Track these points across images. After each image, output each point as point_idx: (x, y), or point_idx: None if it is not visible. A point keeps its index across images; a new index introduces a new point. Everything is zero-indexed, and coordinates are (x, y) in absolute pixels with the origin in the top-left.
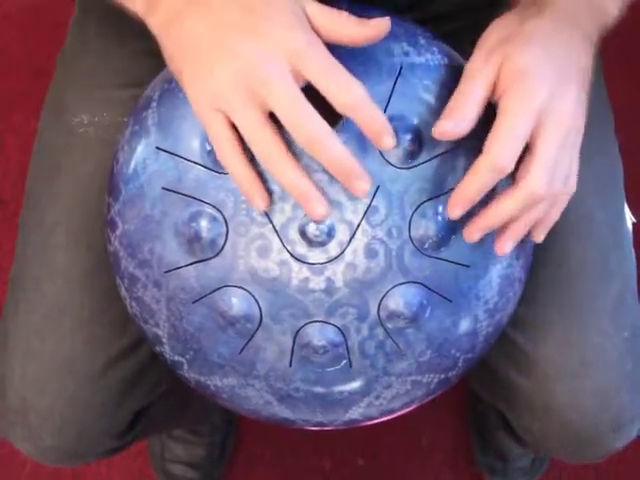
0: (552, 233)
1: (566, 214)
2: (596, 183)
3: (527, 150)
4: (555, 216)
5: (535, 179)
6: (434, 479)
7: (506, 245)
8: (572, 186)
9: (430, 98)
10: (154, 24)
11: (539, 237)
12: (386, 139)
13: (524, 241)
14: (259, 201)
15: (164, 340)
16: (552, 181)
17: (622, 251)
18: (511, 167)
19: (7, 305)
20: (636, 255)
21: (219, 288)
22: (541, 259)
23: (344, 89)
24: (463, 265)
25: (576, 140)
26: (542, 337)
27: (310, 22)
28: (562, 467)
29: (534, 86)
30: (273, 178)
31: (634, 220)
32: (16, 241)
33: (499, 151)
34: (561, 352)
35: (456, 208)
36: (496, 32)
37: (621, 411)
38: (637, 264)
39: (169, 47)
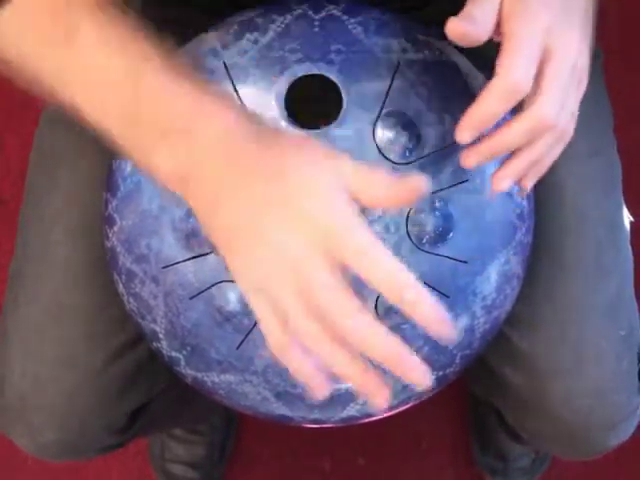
0: (548, 230)
1: (562, 211)
2: (593, 181)
3: (537, 77)
4: (551, 159)
5: (545, 103)
6: (434, 479)
7: (504, 181)
8: (573, 127)
9: (428, 94)
10: (192, 206)
11: (528, 184)
12: (445, 328)
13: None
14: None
15: (161, 336)
16: (561, 110)
17: (619, 249)
18: (528, 87)
19: (6, 301)
20: (634, 254)
21: (216, 283)
22: (537, 256)
23: (388, 276)
24: (461, 261)
25: (581, 78)
26: (537, 334)
27: (348, 186)
28: (563, 467)
29: (538, 10)
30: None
31: (632, 219)
32: (15, 237)
33: (513, 70)
34: (556, 350)
35: (465, 132)
36: None
37: (616, 409)
38: (635, 263)
39: (211, 236)
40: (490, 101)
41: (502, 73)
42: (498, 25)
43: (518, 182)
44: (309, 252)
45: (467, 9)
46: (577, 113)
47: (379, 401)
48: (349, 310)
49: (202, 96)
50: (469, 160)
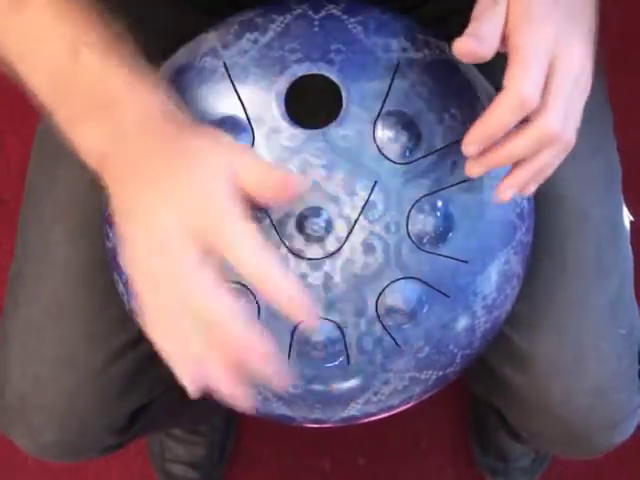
0: (548, 230)
1: (563, 211)
2: (593, 181)
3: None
4: (553, 167)
5: (551, 116)
6: (434, 479)
7: (508, 191)
8: (575, 136)
9: (428, 93)
10: (105, 186)
11: (530, 189)
12: (301, 312)
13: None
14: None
15: None
16: (565, 123)
17: (619, 249)
18: (536, 101)
19: (6, 301)
20: (634, 253)
21: None
22: (537, 256)
23: (255, 261)
24: (461, 261)
25: (585, 87)
26: (537, 334)
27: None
28: (563, 467)
29: (543, 23)
30: None
31: (632, 219)
32: (15, 237)
33: (522, 84)
34: (556, 349)
35: (472, 145)
36: None
37: (616, 409)
38: (635, 262)
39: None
40: (499, 115)
41: (511, 87)
42: (503, 37)
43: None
44: (179, 233)
45: (473, 26)
46: (580, 120)
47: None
48: (208, 290)
49: (134, 78)
50: (474, 170)
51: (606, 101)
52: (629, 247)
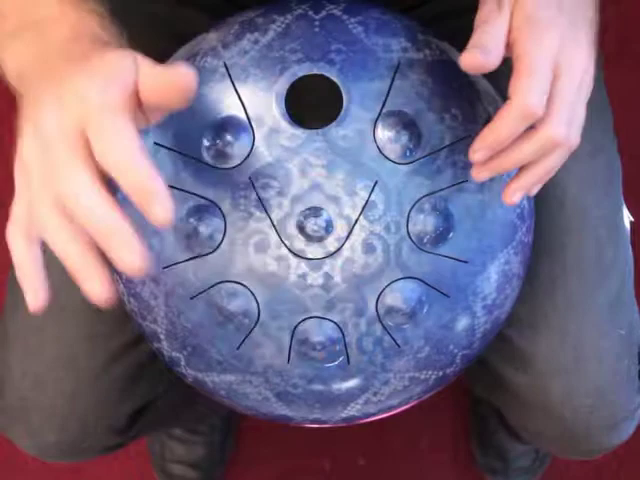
0: (549, 230)
1: (563, 211)
2: (594, 181)
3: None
4: (555, 169)
5: (556, 123)
6: (434, 479)
7: (515, 194)
8: (578, 140)
9: (428, 94)
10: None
11: (533, 192)
12: (156, 208)
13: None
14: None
15: (162, 336)
16: (569, 128)
17: (619, 249)
18: (542, 110)
19: (7, 302)
20: (634, 253)
21: (217, 283)
22: (537, 256)
23: (117, 150)
24: (461, 261)
25: (587, 91)
26: (537, 334)
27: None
28: (563, 467)
29: (547, 30)
30: None
31: (632, 219)
32: None
33: (528, 94)
34: (556, 349)
35: (478, 152)
36: None
37: (616, 409)
38: (635, 262)
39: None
40: (505, 125)
41: (517, 97)
42: (507, 43)
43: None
44: (60, 130)
45: (477, 37)
46: (583, 122)
47: (95, 287)
48: (77, 182)
49: (66, 6)
50: (481, 175)
51: (606, 101)
52: (629, 247)
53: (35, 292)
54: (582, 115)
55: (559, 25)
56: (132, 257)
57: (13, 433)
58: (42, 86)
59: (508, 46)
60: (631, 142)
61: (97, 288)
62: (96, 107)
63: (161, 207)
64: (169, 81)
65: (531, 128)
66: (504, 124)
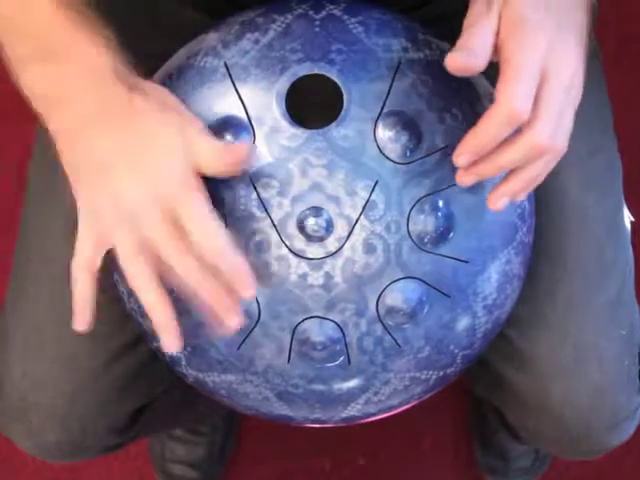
0: (549, 230)
1: (563, 211)
2: (594, 181)
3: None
4: (544, 175)
5: (541, 129)
6: (435, 479)
7: (500, 200)
8: (566, 144)
9: (429, 94)
10: (51, 129)
11: (520, 197)
12: (247, 290)
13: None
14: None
15: None
16: (555, 134)
17: (620, 249)
18: (527, 114)
19: (7, 301)
20: (635, 253)
21: None
22: (536, 255)
23: (211, 237)
24: (462, 261)
25: (576, 96)
26: (537, 334)
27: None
28: (563, 467)
29: (535, 33)
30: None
31: (632, 219)
32: (17, 237)
33: (514, 98)
34: (556, 349)
35: (461, 157)
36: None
37: (616, 409)
38: (636, 262)
39: (62, 159)
40: (490, 128)
41: (502, 101)
42: (495, 46)
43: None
44: (145, 206)
45: (464, 39)
46: (571, 128)
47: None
48: (178, 255)
49: (83, 33)
50: (465, 179)
51: (606, 101)
52: (630, 247)
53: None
54: (570, 120)
55: (547, 28)
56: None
57: (13, 433)
58: (102, 150)
59: (496, 49)
60: (631, 142)
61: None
62: (180, 184)
63: (248, 283)
64: (227, 162)
65: (517, 133)
66: (488, 128)
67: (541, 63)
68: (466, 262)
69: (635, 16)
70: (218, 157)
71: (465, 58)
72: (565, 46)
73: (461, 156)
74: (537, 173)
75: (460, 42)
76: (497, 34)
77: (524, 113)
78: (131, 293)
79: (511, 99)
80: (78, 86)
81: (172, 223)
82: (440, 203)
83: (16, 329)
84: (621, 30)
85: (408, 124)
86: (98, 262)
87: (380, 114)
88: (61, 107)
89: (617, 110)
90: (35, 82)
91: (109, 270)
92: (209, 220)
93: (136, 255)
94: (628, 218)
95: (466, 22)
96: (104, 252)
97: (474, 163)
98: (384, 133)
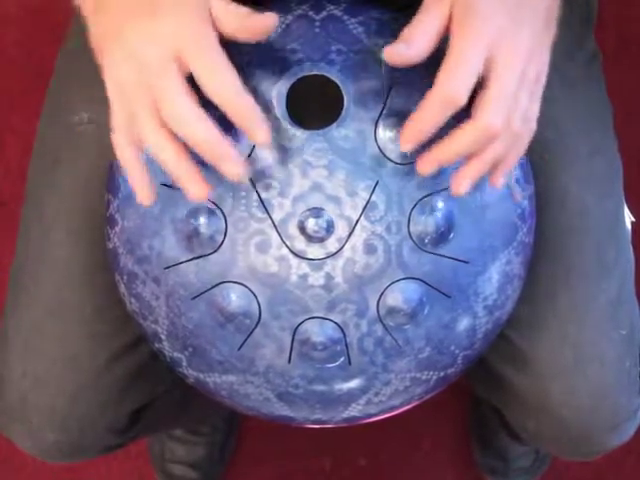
0: (549, 230)
1: (563, 211)
2: (594, 181)
3: (483, 87)
4: (514, 158)
5: (489, 113)
6: (435, 479)
7: (462, 184)
8: (532, 128)
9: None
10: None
11: (497, 181)
12: (259, 132)
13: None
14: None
15: (163, 337)
16: (509, 117)
17: (620, 249)
18: (463, 99)
19: (7, 301)
20: (635, 254)
21: (218, 284)
22: (538, 256)
23: (219, 82)
24: (462, 261)
25: (538, 80)
26: (537, 334)
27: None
28: (563, 467)
29: (483, 22)
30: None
31: (633, 219)
32: (16, 238)
33: (449, 83)
34: (557, 350)
35: (408, 143)
36: None
37: (617, 410)
38: (636, 262)
39: (93, 40)
40: (427, 112)
41: (437, 86)
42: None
43: (489, 180)
44: (160, 60)
45: (408, 29)
46: (537, 114)
47: (195, 189)
48: (189, 115)
49: None
50: (425, 168)
51: (606, 100)
52: (630, 247)
53: (144, 187)
54: (531, 104)
55: (497, 15)
56: (233, 167)
57: (13, 433)
58: (126, 16)
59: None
60: (631, 142)
61: (196, 189)
62: (193, 42)
63: (261, 130)
64: (246, 27)
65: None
66: (424, 113)
67: (486, 51)
68: (466, 262)
69: (635, 16)
70: (235, 16)
71: (402, 50)
72: (517, 31)
73: (405, 143)
74: (497, 155)
75: (403, 32)
76: (450, 23)
77: (459, 98)
78: (132, 295)
79: (446, 84)
80: None
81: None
82: (441, 204)
83: (16, 329)
84: (621, 30)
85: None
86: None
87: (380, 114)
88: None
89: (617, 110)
90: None
91: (110, 270)
92: (221, 66)
93: (150, 118)
94: (628, 218)
95: (419, 10)
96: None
97: (430, 151)
98: (384, 133)
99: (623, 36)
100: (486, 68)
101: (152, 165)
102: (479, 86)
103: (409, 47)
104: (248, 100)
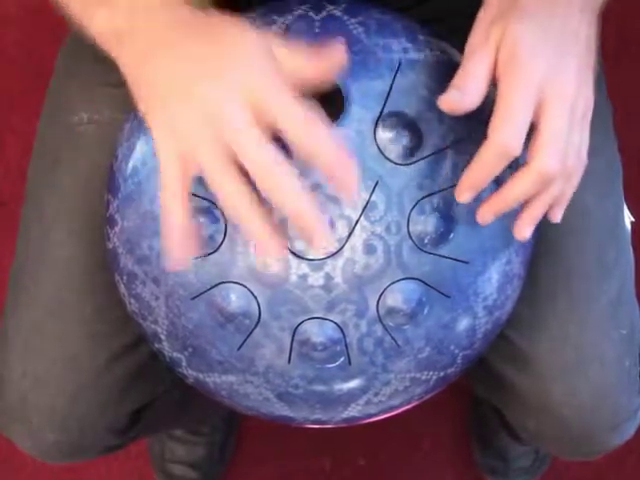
0: (549, 230)
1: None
2: (594, 180)
3: (535, 129)
4: (570, 192)
5: (544, 157)
6: (435, 479)
7: (525, 230)
8: (583, 160)
9: (429, 94)
10: (123, 63)
11: (556, 217)
12: (352, 191)
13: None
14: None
15: (163, 337)
16: (564, 157)
17: (620, 249)
18: (518, 150)
19: (7, 301)
20: (635, 254)
21: (218, 284)
22: (537, 256)
23: (310, 134)
24: (462, 261)
25: (586, 112)
26: (538, 334)
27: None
28: (563, 467)
29: (530, 64)
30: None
31: (632, 219)
32: (16, 238)
33: (503, 135)
34: (557, 350)
35: (465, 193)
36: (489, 10)
37: (617, 410)
38: (636, 262)
39: (135, 90)
40: (483, 165)
41: (493, 137)
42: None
43: (549, 216)
44: (229, 105)
45: (459, 78)
46: (587, 146)
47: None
48: (266, 160)
49: None
50: (486, 218)
51: (606, 101)
52: (630, 248)
53: (189, 247)
54: (581, 139)
55: (543, 56)
56: (315, 235)
57: (13, 433)
58: (176, 61)
59: (495, 80)
60: (631, 142)
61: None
62: (267, 86)
63: (350, 179)
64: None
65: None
66: (480, 166)
67: (535, 97)
68: (466, 262)
69: (635, 16)
70: (305, 60)
71: (458, 98)
72: (565, 68)
73: (462, 194)
74: (555, 195)
75: (455, 80)
76: (496, 66)
77: (515, 148)
78: (131, 295)
79: (499, 136)
80: (149, 13)
81: (260, 122)
82: (440, 204)
83: (16, 329)
84: (621, 30)
85: (408, 125)
86: (189, 185)
87: (380, 115)
88: (133, 34)
89: (617, 110)
90: (101, 18)
91: (110, 270)
92: (298, 106)
93: (226, 165)
94: (628, 218)
95: (467, 49)
96: (192, 174)
97: (489, 201)
98: (384, 134)
99: (623, 36)
100: (536, 111)
101: (151, 165)
102: (530, 128)
103: (469, 95)
104: (343, 152)
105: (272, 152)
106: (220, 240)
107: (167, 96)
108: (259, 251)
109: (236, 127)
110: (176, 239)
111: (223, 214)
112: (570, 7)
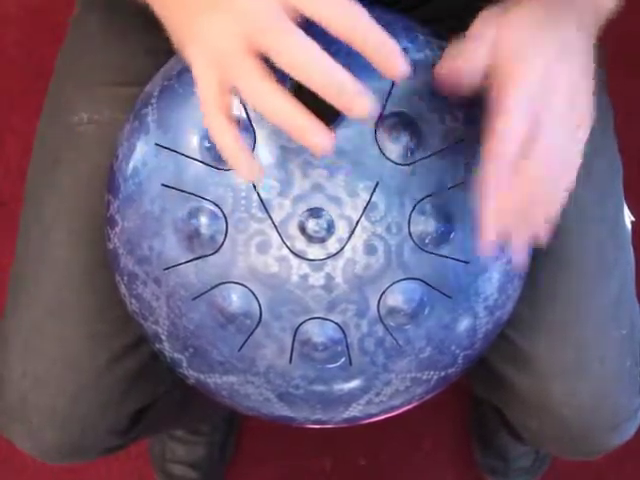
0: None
1: (564, 211)
2: (594, 181)
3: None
4: (558, 202)
5: (536, 168)
6: (435, 479)
7: (521, 257)
8: (573, 169)
9: (429, 94)
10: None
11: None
12: (398, 66)
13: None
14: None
15: (163, 337)
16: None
17: (620, 249)
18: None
19: (7, 301)
20: (635, 253)
21: (219, 284)
22: (537, 255)
23: (345, 15)
24: (463, 261)
25: (581, 124)
26: (538, 334)
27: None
28: (563, 467)
29: (532, 61)
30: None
31: (633, 219)
32: (16, 238)
33: (502, 148)
34: (557, 350)
35: (489, 235)
36: (481, 20)
37: (618, 410)
38: (636, 262)
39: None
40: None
41: (490, 151)
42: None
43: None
44: (232, 44)
45: (453, 47)
46: (579, 152)
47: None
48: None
49: None
50: (521, 261)
51: (607, 100)
52: (630, 247)
53: (250, 166)
54: (572, 154)
55: (542, 54)
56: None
57: (13, 434)
58: (194, 10)
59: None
60: (631, 142)
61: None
62: (268, 18)
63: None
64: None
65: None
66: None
67: (534, 95)
68: (467, 262)
69: (635, 16)
70: None
71: (458, 63)
72: (567, 65)
73: (487, 235)
74: (544, 213)
75: (451, 50)
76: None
77: (512, 157)
78: (132, 295)
79: (497, 149)
80: None
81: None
82: (441, 204)
83: (16, 329)
84: (621, 30)
85: (409, 125)
86: (230, 102)
87: (381, 115)
88: None
89: (617, 110)
90: None
91: (110, 271)
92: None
93: (265, 77)
94: (628, 218)
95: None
96: (230, 90)
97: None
98: (385, 134)
99: (623, 36)
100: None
101: (151, 165)
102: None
103: (464, 77)
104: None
105: (303, 39)
106: (221, 240)
107: (195, 12)
108: (313, 145)
109: (266, 25)
110: (235, 154)
111: (224, 214)
112: (568, 22)
